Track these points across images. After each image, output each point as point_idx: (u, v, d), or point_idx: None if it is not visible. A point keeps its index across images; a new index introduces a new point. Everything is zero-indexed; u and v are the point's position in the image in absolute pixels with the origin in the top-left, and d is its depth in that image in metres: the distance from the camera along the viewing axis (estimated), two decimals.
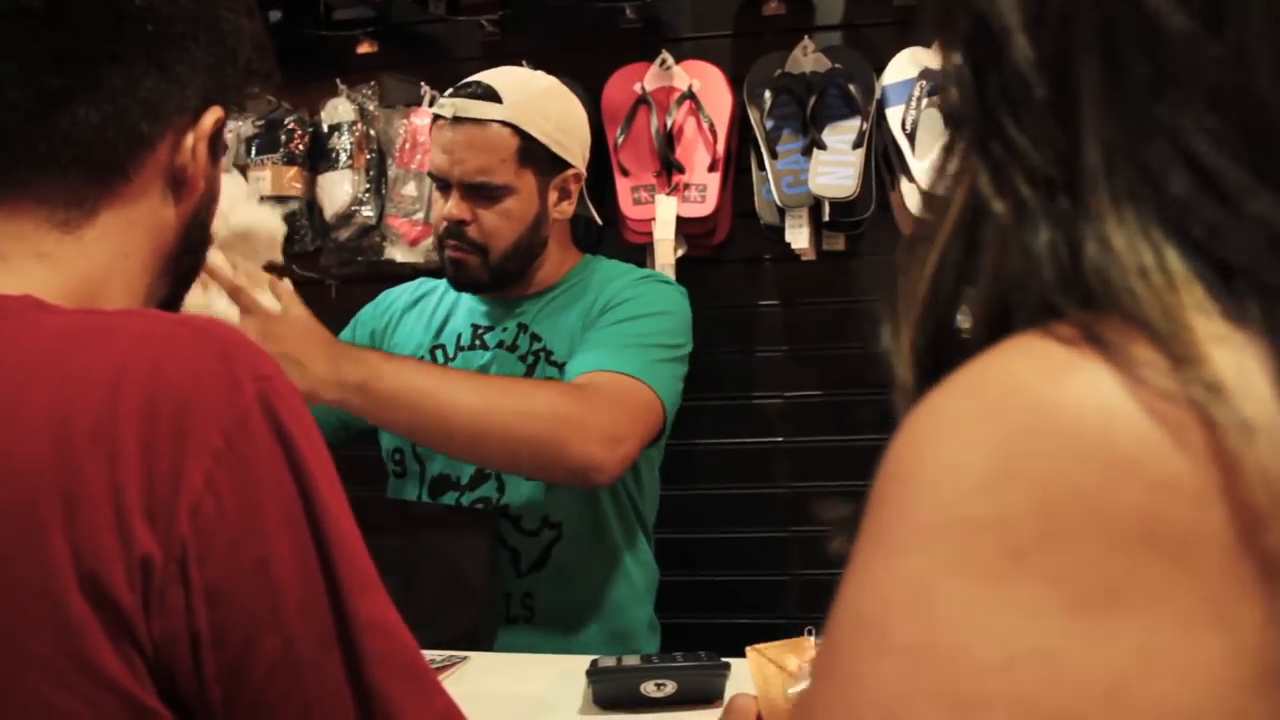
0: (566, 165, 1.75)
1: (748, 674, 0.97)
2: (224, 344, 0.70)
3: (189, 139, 0.83)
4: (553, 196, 1.75)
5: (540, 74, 1.84)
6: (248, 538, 0.66)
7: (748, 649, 1.00)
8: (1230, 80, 0.38)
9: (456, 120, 1.69)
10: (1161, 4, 0.39)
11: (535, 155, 1.71)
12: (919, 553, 0.37)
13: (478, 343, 1.80)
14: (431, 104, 2.38)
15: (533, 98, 1.72)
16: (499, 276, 1.75)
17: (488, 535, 1.62)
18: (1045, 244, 0.39)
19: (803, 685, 0.88)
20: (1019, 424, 0.36)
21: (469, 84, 1.72)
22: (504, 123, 1.68)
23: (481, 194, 1.70)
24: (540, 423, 1.48)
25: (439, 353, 1.82)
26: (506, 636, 1.69)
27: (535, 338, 1.77)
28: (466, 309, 1.85)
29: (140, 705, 0.65)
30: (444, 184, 1.73)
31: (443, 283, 1.89)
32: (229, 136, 2.39)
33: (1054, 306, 0.39)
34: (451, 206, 1.70)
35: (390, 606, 0.73)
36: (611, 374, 1.58)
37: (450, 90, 1.75)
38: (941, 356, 0.41)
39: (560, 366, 1.73)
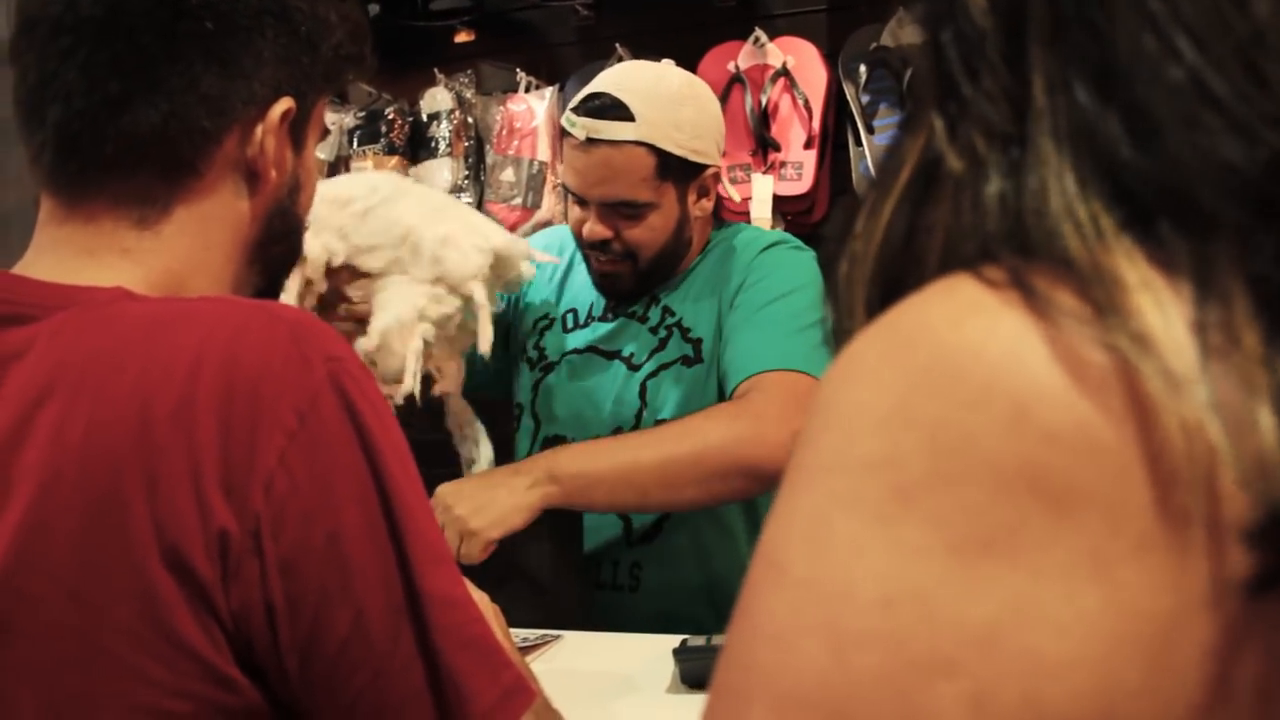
0: (704, 167, 1.70)
1: None
2: (295, 326, 0.72)
3: (258, 131, 0.84)
4: (692, 198, 1.71)
5: (667, 70, 1.75)
6: (319, 512, 0.68)
7: None
8: (1166, 3, 0.37)
9: (590, 143, 1.63)
10: None
11: (672, 168, 1.66)
12: (818, 490, 0.37)
13: (609, 314, 1.79)
14: (528, 90, 2.40)
15: (663, 109, 1.64)
16: (647, 281, 1.73)
17: (577, 518, 1.62)
18: (994, 195, 0.38)
19: None
20: (920, 364, 0.36)
21: (596, 96, 1.65)
22: (639, 143, 1.63)
23: (621, 213, 1.67)
24: (722, 454, 1.51)
25: (570, 316, 1.81)
26: (610, 603, 1.70)
27: (669, 311, 1.75)
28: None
29: (219, 673, 0.67)
30: (580, 200, 1.70)
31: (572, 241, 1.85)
32: (330, 129, 2.44)
33: (993, 255, 0.38)
34: (592, 225, 1.68)
35: (460, 581, 0.75)
36: (772, 374, 1.57)
37: (577, 102, 1.67)
38: (888, 305, 0.39)
39: (695, 344, 1.71)
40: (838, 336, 0.43)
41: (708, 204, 1.74)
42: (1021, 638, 0.33)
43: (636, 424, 1.70)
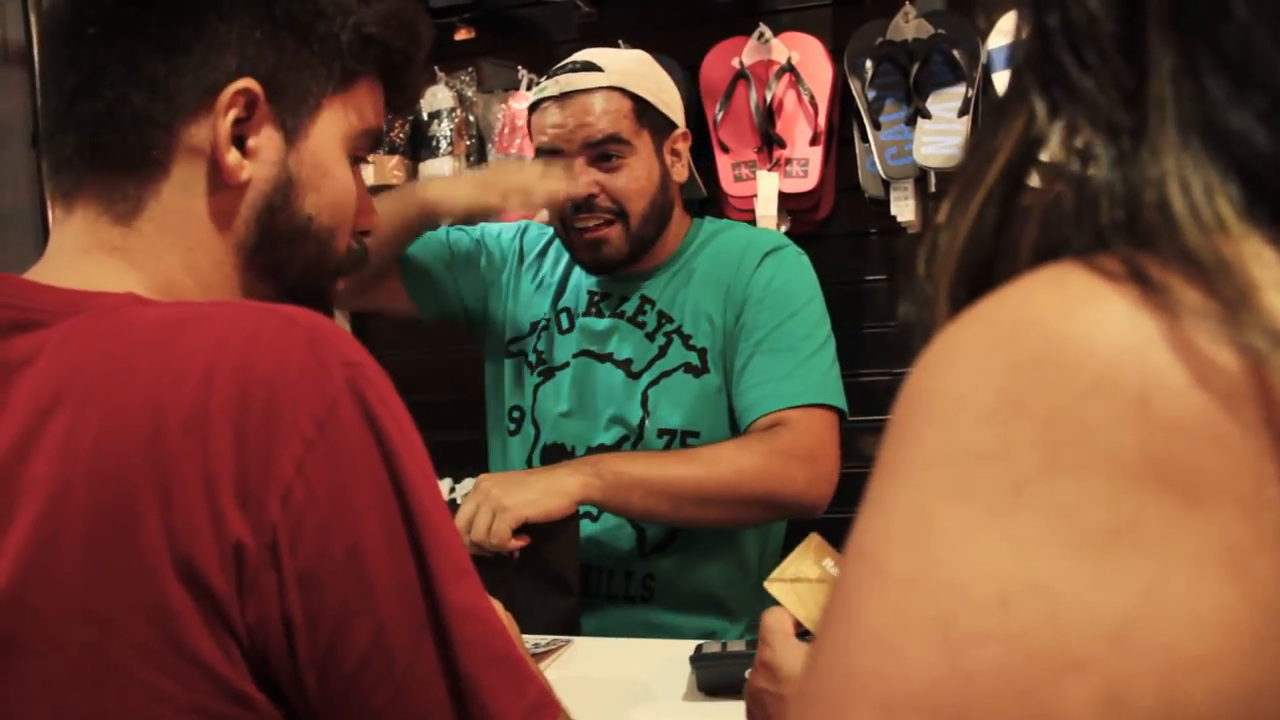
0: (674, 125, 1.75)
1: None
2: (312, 331, 0.70)
3: (212, 118, 0.80)
4: (668, 156, 1.75)
5: (626, 49, 1.85)
6: (338, 523, 0.66)
7: (766, 584, 0.97)
8: None
9: (564, 95, 1.68)
10: None
11: (648, 113, 1.71)
12: (920, 484, 0.35)
13: (593, 310, 1.78)
14: (529, 88, 2.38)
15: (630, 64, 1.73)
16: (638, 247, 1.72)
17: (574, 531, 1.61)
18: (1104, 184, 0.37)
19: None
20: (1028, 355, 0.35)
21: (564, 64, 1.72)
22: (611, 87, 1.69)
23: (607, 158, 1.68)
24: (754, 485, 1.57)
25: (563, 316, 1.80)
26: (623, 615, 1.69)
27: (665, 316, 1.74)
28: (580, 271, 1.82)
29: (235, 690, 0.66)
30: (556, 160, 1.70)
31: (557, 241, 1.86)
32: None
33: (1106, 245, 0.36)
34: (575, 183, 1.67)
35: (483, 594, 0.73)
36: (797, 411, 1.63)
37: (545, 76, 1.74)
38: (978, 295, 0.38)
39: (700, 352, 1.71)
40: (914, 328, 0.42)
41: (683, 170, 1.77)
42: (1157, 630, 0.32)
43: (640, 433, 1.70)
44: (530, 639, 1.40)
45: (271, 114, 0.82)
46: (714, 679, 1.26)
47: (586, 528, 1.67)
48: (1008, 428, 0.34)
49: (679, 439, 1.69)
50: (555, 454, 1.74)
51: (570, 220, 1.70)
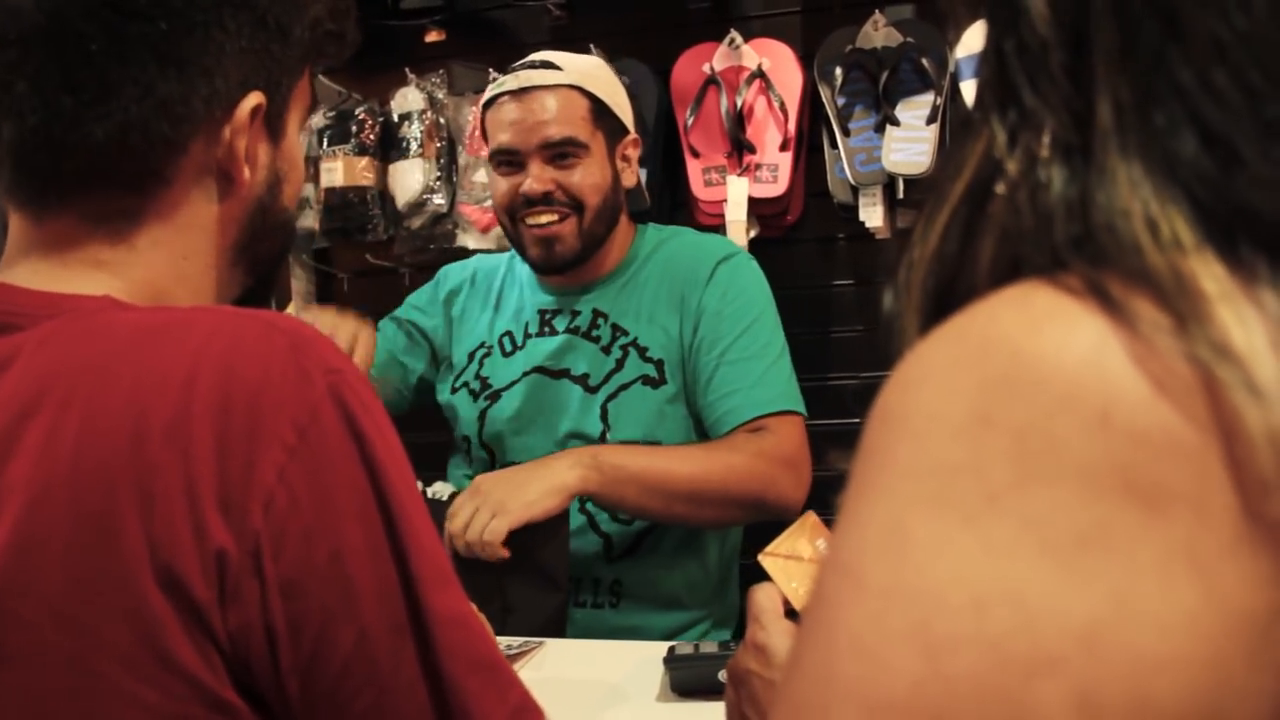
0: (626, 130, 1.78)
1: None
2: (294, 337, 0.70)
3: (226, 133, 0.79)
4: (619, 161, 1.77)
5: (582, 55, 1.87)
6: (321, 530, 0.67)
7: (760, 557, 0.97)
8: (1236, 32, 0.38)
9: (523, 91, 1.70)
10: None
11: (603, 116, 1.73)
12: (895, 497, 0.37)
13: (546, 329, 1.78)
14: None
15: (587, 65, 1.77)
16: (589, 244, 1.73)
17: (564, 528, 1.63)
18: (1058, 201, 0.39)
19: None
20: (998, 371, 0.36)
21: (522, 62, 1.75)
22: (570, 86, 1.71)
23: (563, 157, 1.70)
24: (743, 486, 1.62)
25: (506, 340, 1.80)
26: (591, 621, 1.70)
27: (619, 329, 1.75)
28: (529, 292, 1.83)
29: (216, 697, 0.65)
30: (514, 161, 1.71)
31: (499, 263, 1.89)
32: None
33: (1063, 262, 0.38)
34: (533, 180, 1.69)
35: (464, 600, 0.73)
36: (773, 419, 1.68)
37: (504, 74, 1.76)
38: (944, 312, 0.40)
39: (657, 364, 1.72)
40: (893, 339, 0.43)
41: (631, 176, 1.80)
42: (1125, 634, 0.33)
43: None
44: (503, 641, 1.40)
45: (264, 120, 0.82)
46: (687, 680, 1.27)
47: None
48: (979, 441, 0.35)
49: None
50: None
51: (522, 216, 1.72)
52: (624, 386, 1.72)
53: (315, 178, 2.43)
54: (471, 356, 1.82)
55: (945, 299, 0.41)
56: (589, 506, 1.70)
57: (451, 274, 1.93)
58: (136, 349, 0.69)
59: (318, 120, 2.44)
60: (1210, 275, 0.35)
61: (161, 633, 0.64)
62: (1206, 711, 0.33)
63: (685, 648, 1.31)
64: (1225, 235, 0.36)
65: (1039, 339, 0.36)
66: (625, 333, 1.75)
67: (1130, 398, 0.34)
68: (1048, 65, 0.41)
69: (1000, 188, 0.41)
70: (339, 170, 2.39)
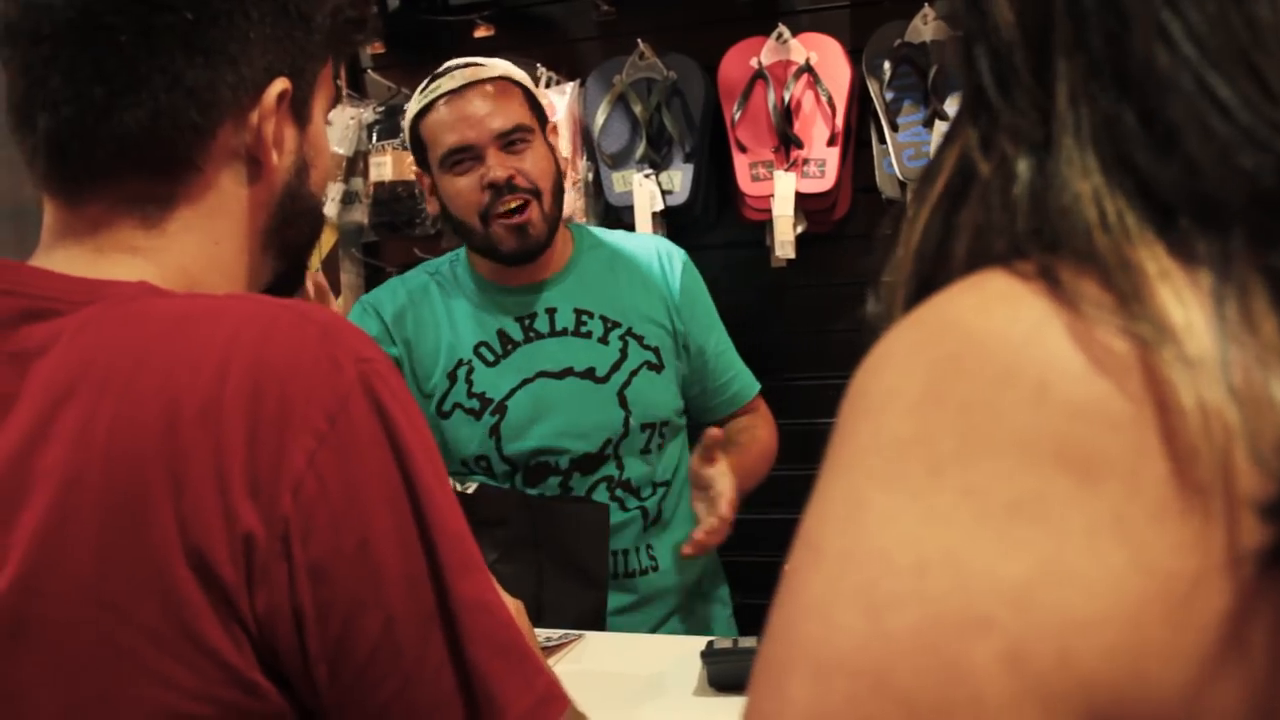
0: (546, 117, 1.83)
1: None
2: (325, 326, 0.71)
3: (254, 118, 0.80)
4: (552, 148, 1.81)
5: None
6: (349, 516, 0.67)
7: None
8: (1177, 12, 0.40)
9: (466, 88, 1.72)
10: None
11: (533, 102, 1.79)
12: (855, 471, 0.39)
13: (531, 334, 1.77)
14: (549, 85, 2.39)
15: (503, 62, 1.81)
16: (552, 228, 1.76)
17: (604, 523, 1.64)
18: (1022, 194, 0.41)
19: None
20: (949, 350, 0.38)
21: (444, 69, 1.77)
22: (502, 78, 1.76)
23: (516, 145, 1.73)
24: (771, 457, 1.92)
25: (485, 350, 1.77)
26: (641, 588, 1.76)
27: (610, 321, 1.79)
28: (484, 300, 1.80)
29: (243, 678, 0.66)
30: (469, 158, 1.72)
31: (422, 281, 1.84)
32: (350, 124, 2.43)
33: (1022, 251, 0.40)
34: (494, 167, 1.71)
35: (492, 587, 0.73)
36: (756, 399, 1.95)
37: (425, 83, 1.77)
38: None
39: (654, 350, 1.80)
40: (878, 334, 0.45)
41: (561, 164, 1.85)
42: (1053, 595, 0.35)
43: (625, 430, 1.76)
44: (541, 633, 1.40)
45: (290, 106, 0.83)
46: (725, 674, 1.27)
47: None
48: (928, 416, 0.38)
49: (656, 430, 1.80)
50: (540, 472, 1.75)
51: (494, 207, 1.72)
52: (634, 372, 1.78)
53: (365, 172, 2.45)
54: (452, 377, 1.77)
55: (925, 295, 0.43)
56: (619, 493, 1.76)
57: (382, 302, 1.83)
58: (171, 336, 0.70)
59: (367, 115, 2.46)
60: (1151, 255, 0.37)
61: (191, 613, 0.65)
62: (1128, 670, 0.35)
63: (724, 642, 1.31)
64: (1167, 214, 0.38)
65: (989, 318, 0.38)
66: (617, 324, 1.79)
67: (1068, 372, 0.36)
68: (1014, 67, 0.43)
69: (975, 187, 0.43)
70: (388, 165, 2.41)
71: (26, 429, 0.68)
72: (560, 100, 2.36)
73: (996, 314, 0.38)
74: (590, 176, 2.37)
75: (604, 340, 1.78)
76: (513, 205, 1.72)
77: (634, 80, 2.32)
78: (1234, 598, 0.35)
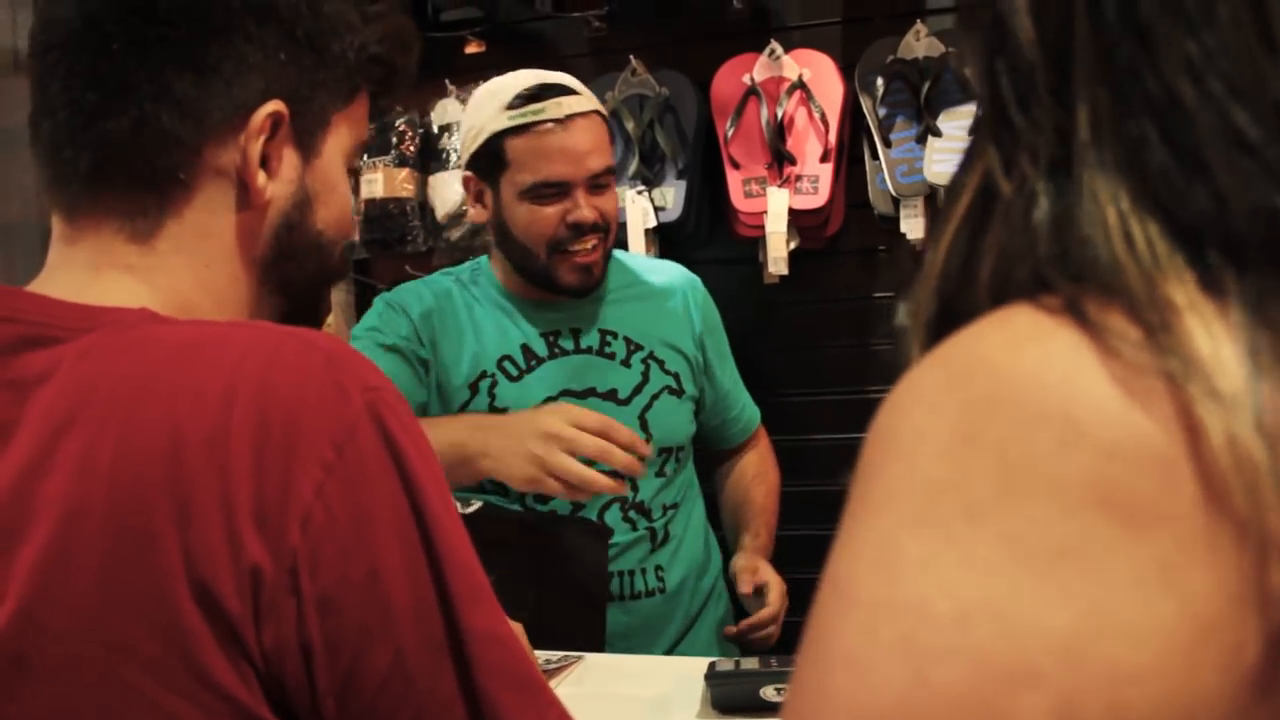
0: None
1: None
2: (331, 354, 0.70)
3: (242, 139, 0.79)
4: None
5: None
6: (358, 548, 0.66)
7: None
8: (1203, 47, 0.39)
9: (569, 119, 1.66)
10: None
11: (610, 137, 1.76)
12: (885, 515, 0.38)
13: (556, 350, 1.76)
14: None
15: (583, 86, 1.75)
16: (605, 264, 1.76)
17: (603, 545, 1.63)
18: (1044, 219, 0.40)
19: None
20: (980, 391, 0.37)
21: (543, 86, 1.69)
22: (596, 111, 1.71)
23: (602, 186, 1.70)
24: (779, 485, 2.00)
25: (509, 364, 1.75)
26: (647, 611, 1.75)
27: (633, 344, 1.78)
28: (510, 313, 1.78)
29: (250, 714, 0.65)
30: (558, 192, 1.68)
31: (447, 286, 1.80)
32: None
33: (1046, 280, 0.39)
34: (586, 208, 1.67)
35: (503, 619, 0.72)
36: (761, 427, 2.01)
37: (522, 98, 1.68)
38: (946, 332, 0.41)
39: (675, 377, 1.80)
40: (905, 362, 0.45)
41: None
42: (1102, 646, 0.34)
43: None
44: (541, 655, 1.39)
45: (292, 133, 0.82)
46: (729, 696, 1.26)
47: (611, 545, 1.72)
48: (962, 459, 0.37)
49: (673, 454, 1.80)
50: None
51: (568, 245, 1.69)
52: (655, 396, 1.77)
53: (356, 189, 2.44)
54: (474, 388, 1.73)
55: (949, 317, 0.43)
56: (631, 514, 1.75)
57: (409, 302, 1.78)
58: (174, 364, 0.69)
59: None
60: (1181, 286, 0.37)
61: (196, 647, 0.64)
62: (1179, 718, 0.34)
63: (726, 664, 1.30)
64: (1196, 245, 0.37)
65: (1020, 358, 0.37)
66: (640, 347, 1.78)
67: (1104, 413, 0.35)
68: (1035, 86, 0.42)
69: (997, 209, 0.43)
70: (379, 181, 2.40)
71: (27, 458, 0.67)
72: None
73: (1029, 353, 0.37)
74: None
75: (626, 363, 1.77)
76: (588, 245, 1.69)
77: (626, 97, 2.32)
78: (1266, 639, 0.34)
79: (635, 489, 1.76)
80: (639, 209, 2.27)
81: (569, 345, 1.77)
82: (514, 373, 1.75)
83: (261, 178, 0.80)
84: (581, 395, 1.74)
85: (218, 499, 0.64)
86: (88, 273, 0.77)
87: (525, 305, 1.78)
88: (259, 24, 0.79)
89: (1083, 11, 0.41)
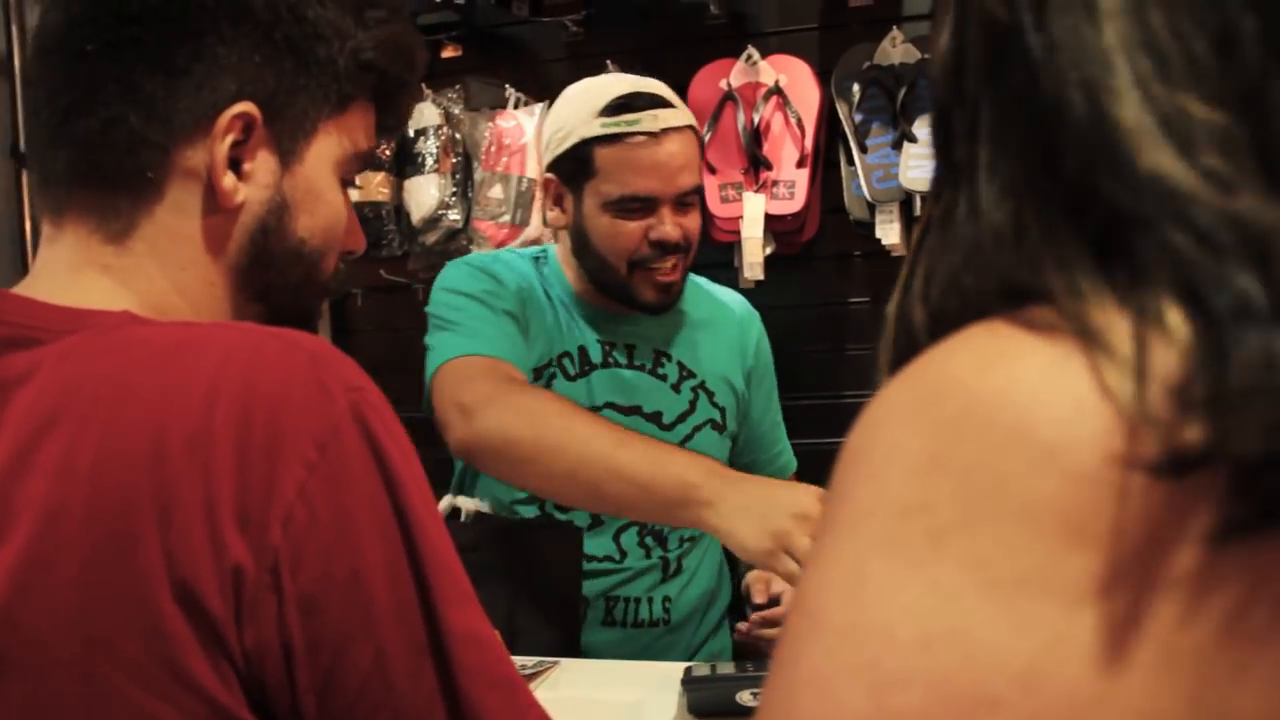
0: None
1: None
2: (314, 355, 0.69)
3: (209, 141, 0.79)
4: None
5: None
6: (340, 548, 0.66)
7: None
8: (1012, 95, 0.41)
9: (663, 133, 1.59)
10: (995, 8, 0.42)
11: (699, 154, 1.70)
12: (856, 536, 0.38)
13: (610, 360, 1.72)
14: (517, 106, 2.38)
15: (677, 97, 1.68)
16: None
17: (577, 545, 1.61)
18: (988, 239, 0.41)
19: None
20: (950, 413, 0.37)
21: (641, 96, 1.62)
22: (690, 126, 1.64)
23: (688, 205, 1.64)
24: None
25: (568, 363, 1.71)
26: (650, 641, 1.73)
27: (686, 370, 1.74)
28: (574, 314, 1.73)
29: (230, 715, 0.65)
30: (644, 207, 1.62)
31: (528, 268, 1.74)
32: None
33: (985, 301, 0.40)
34: (671, 226, 1.61)
35: (484, 619, 0.72)
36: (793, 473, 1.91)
37: (616, 105, 1.61)
38: (913, 348, 0.42)
39: (721, 410, 1.76)
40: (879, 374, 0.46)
41: None
42: (1063, 674, 0.34)
43: None
44: (517, 660, 1.39)
45: (268, 137, 0.81)
46: (705, 701, 1.26)
47: (624, 570, 1.70)
48: (931, 482, 0.37)
49: None
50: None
51: (651, 263, 1.63)
52: (698, 428, 1.74)
53: None
54: (539, 374, 1.70)
55: (905, 342, 0.44)
56: (648, 540, 1.72)
57: (501, 270, 1.70)
58: (157, 365, 0.68)
59: None
60: (1101, 309, 0.37)
61: (177, 648, 0.63)
62: None
63: (702, 668, 1.31)
64: (1101, 248, 0.38)
65: (987, 378, 0.37)
66: (692, 375, 1.74)
67: (1071, 436, 0.35)
68: (949, 119, 0.44)
69: (956, 227, 0.43)
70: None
71: (7, 458, 0.66)
72: (529, 122, 2.35)
73: (998, 373, 0.37)
74: None
75: (676, 388, 1.73)
76: (667, 265, 1.64)
77: None
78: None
79: None
80: None
81: (622, 359, 1.72)
82: (571, 372, 1.71)
83: (230, 180, 0.79)
84: (626, 412, 1.71)
85: (200, 499, 0.64)
86: (68, 274, 0.77)
87: (588, 309, 1.73)
88: (234, 25, 0.78)
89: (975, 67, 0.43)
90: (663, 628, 1.74)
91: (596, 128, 1.60)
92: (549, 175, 1.69)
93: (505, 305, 1.65)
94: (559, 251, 1.76)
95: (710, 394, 1.75)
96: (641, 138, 1.59)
